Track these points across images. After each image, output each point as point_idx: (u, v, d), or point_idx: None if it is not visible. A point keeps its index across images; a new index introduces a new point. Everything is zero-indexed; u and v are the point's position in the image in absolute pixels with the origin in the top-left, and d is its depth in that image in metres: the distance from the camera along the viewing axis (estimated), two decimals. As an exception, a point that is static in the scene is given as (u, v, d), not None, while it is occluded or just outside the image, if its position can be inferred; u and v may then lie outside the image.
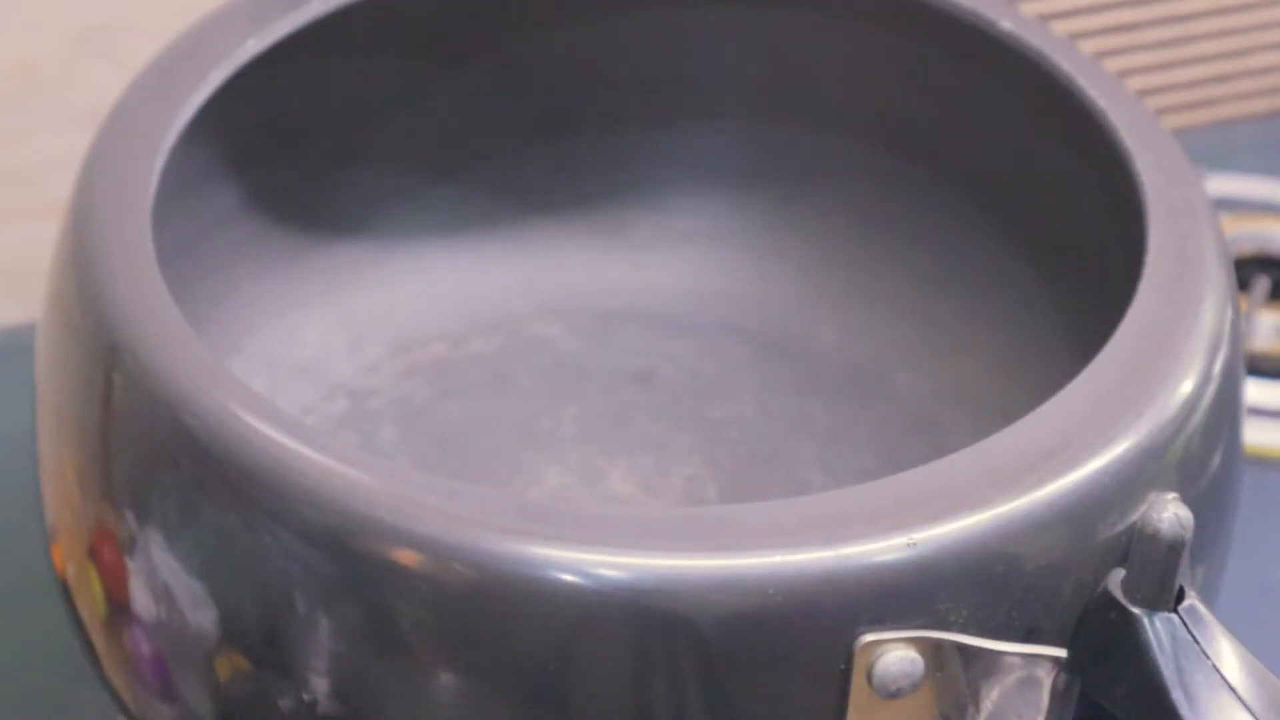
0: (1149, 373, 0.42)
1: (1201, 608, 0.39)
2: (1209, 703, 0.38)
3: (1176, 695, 0.38)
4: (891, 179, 0.58)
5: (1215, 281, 0.45)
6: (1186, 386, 0.42)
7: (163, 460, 0.41)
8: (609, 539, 0.38)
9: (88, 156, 0.47)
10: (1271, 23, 0.80)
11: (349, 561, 0.39)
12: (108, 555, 0.43)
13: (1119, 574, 0.39)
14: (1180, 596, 0.39)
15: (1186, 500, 0.40)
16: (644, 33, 0.58)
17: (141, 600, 0.42)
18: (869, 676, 0.38)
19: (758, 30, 0.57)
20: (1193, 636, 0.39)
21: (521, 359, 0.58)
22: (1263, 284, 0.66)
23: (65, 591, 0.46)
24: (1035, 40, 0.51)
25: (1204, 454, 0.43)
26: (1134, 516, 0.40)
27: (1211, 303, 0.44)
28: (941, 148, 0.57)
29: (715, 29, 0.58)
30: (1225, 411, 0.44)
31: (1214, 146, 0.74)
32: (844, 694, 0.39)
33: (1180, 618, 0.39)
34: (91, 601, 0.44)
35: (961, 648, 0.39)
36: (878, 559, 0.38)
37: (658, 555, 0.38)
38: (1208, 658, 0.38)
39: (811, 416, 0.57)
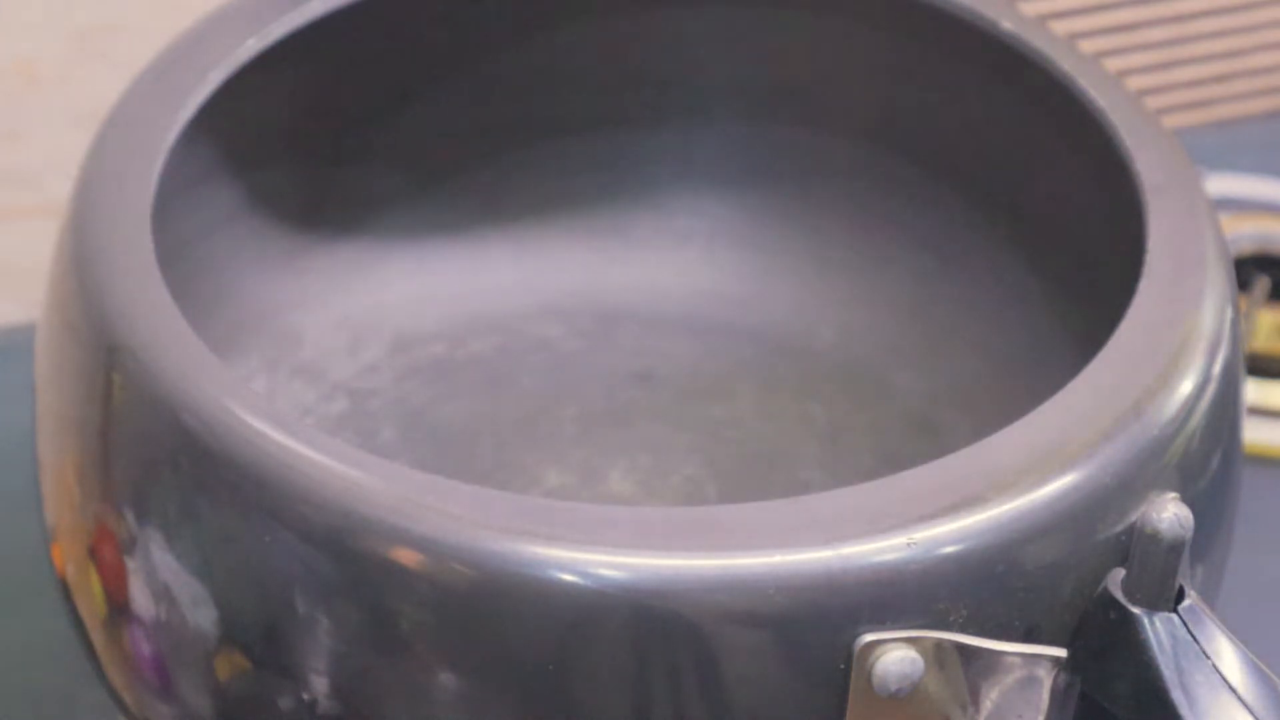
0: (1149, 373, 0.42)
1: (1201, 608, 0.39)
2: (1209, 703, 0.38)
3: (1176, 695, 0.38)
4: (891, 179, 0.58)
5: (1215, 281, 0.45)
6: (1186, 386, 0.42)
7: (163, 460, 0.41)
8: (609, 539, 0.38)
9: (88, 156, 0.47)
10: (1271, 23, 0.80)
11: (349, 561, 0.39)
12: (108, 555, 0.43)
13: (1119, 574, 0.39)
14: (1180, 596, 0.39)
15: (1186, 500, 0.40)
16: (642, 33, 0.58)
17: (141, 600, 0.42)
18: (869, 676, 0.38)
19: (757, 30, 0.57)
20: (1193, 636, 0.39)
21: (521, 359, 0.58)
22: (1263, 284, 0.66)
23: (65, 591, 0.45)
24: (1035, 40, 0.51)
25: (1204, 454, 0.43)
26: (1134, 516, 0.40)
27: (1211, 303, 0.44)
28: (941, 148, 0.56)
29: (714, 29, 0.58)
30: (1225, 411, 0.44)
31: (1214, 146, 0.74)
32: (844, 694, 0.39)
33: (1180, 618, 0.39)
34: (91, 601, 0.44)
35: (961, 647, 0.39)
36: (878, 559, 0.38)
37: (658, 555, 0.38)
38: (1208, 658, 0.38)
39: (811, 416, 0.57)
